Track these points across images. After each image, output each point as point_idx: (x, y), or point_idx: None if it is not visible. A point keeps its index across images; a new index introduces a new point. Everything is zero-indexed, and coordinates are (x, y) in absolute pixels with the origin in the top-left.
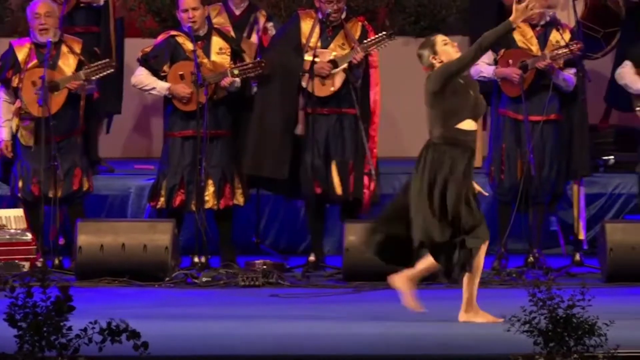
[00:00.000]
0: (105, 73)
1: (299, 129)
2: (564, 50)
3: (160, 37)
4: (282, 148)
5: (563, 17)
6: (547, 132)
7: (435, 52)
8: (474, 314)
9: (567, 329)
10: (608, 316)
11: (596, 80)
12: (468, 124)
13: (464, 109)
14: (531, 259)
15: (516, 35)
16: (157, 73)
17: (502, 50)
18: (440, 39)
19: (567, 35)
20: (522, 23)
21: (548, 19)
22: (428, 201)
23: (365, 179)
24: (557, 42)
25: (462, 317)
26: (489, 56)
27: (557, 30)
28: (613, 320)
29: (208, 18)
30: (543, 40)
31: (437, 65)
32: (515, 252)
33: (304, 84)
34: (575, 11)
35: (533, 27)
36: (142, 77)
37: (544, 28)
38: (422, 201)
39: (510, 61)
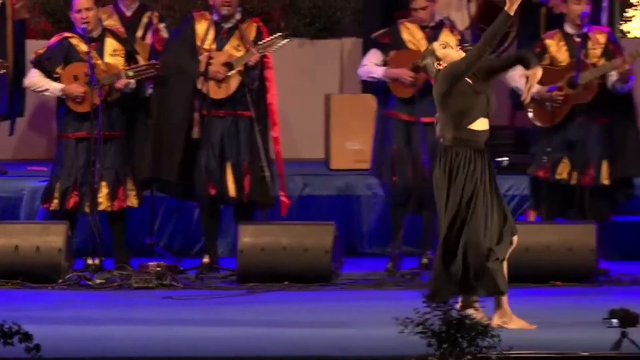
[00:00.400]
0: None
1: (195, 132)
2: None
3: (54, 39)
4: (177, 150)
5: (458, 19)
6: (427, 133)
7: (438, 59)
8: (509, 319)
9: (461, 331)
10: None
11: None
12: (480, 124)
13: (475, 108)
14: (425, 260)
15: (406, 37)
16: (50, 74)
17: (393, 52)
18: (437, 45)
19: (457, 36)
20: (411, 24)
21: (437, 20)
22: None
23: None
24: (445, 43)
25: (496, 321)
26: (377, 57)
27: (449, 30)
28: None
29: (100, 20)
30: (433, 41)
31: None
32: (410, 253)
33: (199, 86)
34: (469, 12)
35: (422, 28)
36: (35, 78)
37: (433, 29)
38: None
39: (400, 62)
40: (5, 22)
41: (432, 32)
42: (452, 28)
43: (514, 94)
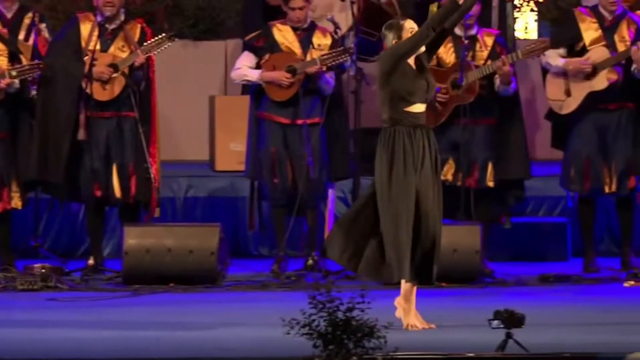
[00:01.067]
0: None
1: (81, 134)
2: (334, 55)
3: None
4: (62, 151)
5: (341, 20)
6: (314, 135)
7: (399, 38)
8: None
9: (347, 332)
10: (387, 319)
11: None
12: (418, 108)
13: (415, 93)
14: (310, 261)
15: (279, 39)
16: None
17: (267, 55)
18: (408, 25)
19: (328, 39)
20: (283, 26)
21: (309, 22)
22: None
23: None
24: (319, 45)
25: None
26: (251, 60)
27: (320, 32)
28: (392, 322)
29: None
30: (306, 43)
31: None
32: (295, 255)
33: (84, 87)
34: (353, 14)
35: (294, 30)
36: None
37: (305, 31)
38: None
39: (275, 65)
40: None
41: (305, 34)
42: (325, 31)
43: None
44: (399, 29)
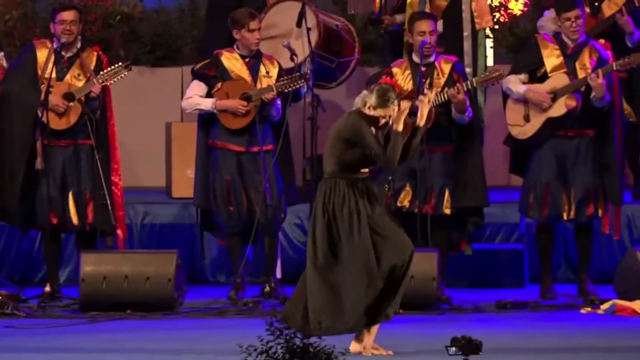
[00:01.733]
0: None
1: (38, 162)
2: (291, 81)
3: None
4: (17, 179)
5: (298, 47)
6: (268, 161)
7: (375, 106)
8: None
9: (304, 359)
10: (344, 345)
11: (333, 108)
12: (362, 171)
13: (364, 165)
14: (267, 288)
15: (229, 67)
16: None
17: (220, 83)
18: (395, 104)
19: (275, 67)
20: (231, 54)
21: (255, 50)
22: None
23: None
24: (268, 72)
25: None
26: (201, 89)
27: (267, 59)
28: (348, 349)
29: None
30: (254, 70)
31: (366, 111)
32: (252, 282)
33: (40, 115)
34: (309, 41)
35: (242, 57)
36: None
37: (253, 59)
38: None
39: (229, 93)
40: None
41: (253, 62)
42: (272, 59)
43: None
44: (384, 100)
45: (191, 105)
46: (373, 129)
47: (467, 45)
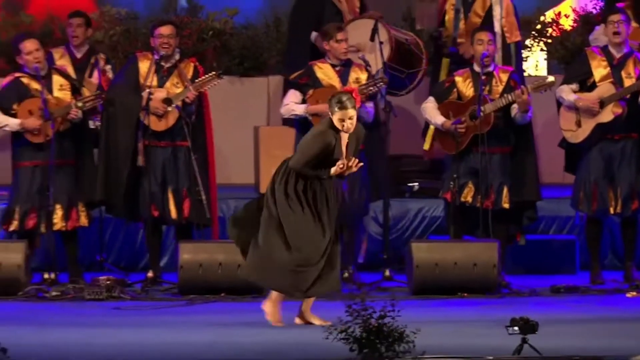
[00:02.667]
0: None
1: (140, 160)
2: (370, 85)
3: (6, 80)
4: (123, 176)
5: (371, 60)
6: None
7: (333, 112)
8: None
9: (379, 337)
10: (415, 325)
11: (404, 114)
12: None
13: (323, 165)
14: (346, 274)
15: (320, 76)
16: (7, 111)
17: (311, 90)
18: (340, 115)
19: (363, 72)
20: (324, 64)
21: (345, 59)
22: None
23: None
24: (357, 79)
25: (298, 320)
26: (297, 96)
27: (357, 67)
28: (419, 329)
29: (50, 59)
30: (344, 78)
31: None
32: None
33: (142, 118)
34: (382, 53)
35: (333, 67)
36: None
37: (343, 67)
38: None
39: (319, 99)
40: None
41: (343, 70)
42: (361, 66)
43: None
44: (337, 104)
45: (288, 111)
46: (342, 137)
47: (497, 57)
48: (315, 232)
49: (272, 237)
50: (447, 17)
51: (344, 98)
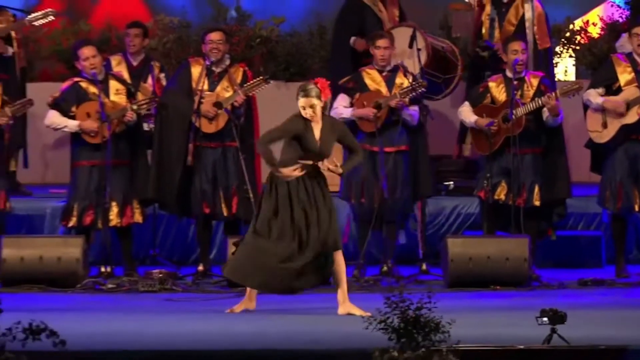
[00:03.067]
0: (25, 110)
1: (190, 160)
2: (409, 89)
3: (66, 84)
4: (175, 175)
5: (409, 65)
6: (398, 161)
7: (298, 99)
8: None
9: (416, 327)
10: (450, 316)
11: (440, 117)
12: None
13: (298, 153)
14: (385, 268)
15: (368, 81)
16: (66, 114)
17: (358, 94)
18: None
19: (409, 78)
20: (371, 70)
21: (392, 65)
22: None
23: None
24: (401, 84)
25: (341, 310)
26: (345, 100)
27: (402, 74)
28: (454, 319)
29: (107, 66)
30: (390, 83)
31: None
32: (373, 262)
33: (193, 121)
34: (420, 60)
35: (380, 72)
36: (54, 118)
37: (390, 73)
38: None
39: (365, 102)
40: (15, 69)
41: (390, 75)
42: (406, 72)
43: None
44: (302, 92)
45: (337, 114)
46: (313, 127)
47: (529, 63)
48: (284, 231)
49: (257, 237)
50: (483, 28)
51: (309, 87)
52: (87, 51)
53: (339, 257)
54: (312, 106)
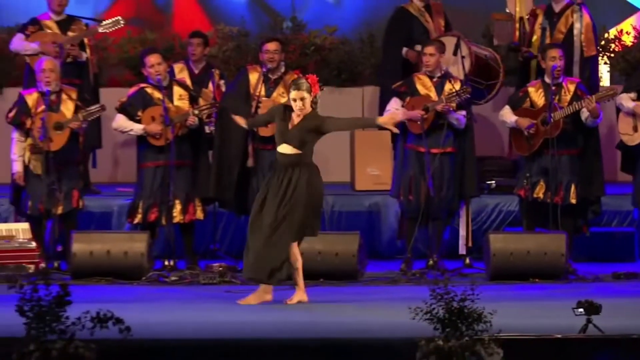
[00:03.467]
0: (98, 115)
1: (250, 162)
2: (455, 95)
3: (133, 89)
4: (234, 175)
5: (454, 72)
6: (445, 162)
7: (289, 92)
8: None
9: (460, 318)
10: (492, 307)
11: (483, 121)
12: (283, 148)
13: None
14: (431, 262)
15: (419, 86)
16: (132, 117)
17: (408, 98)
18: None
19: (457, 85)
20: (422, 76)
21: (442, 72)
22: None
23: None
24: (450, 90)
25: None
26: (397, 103)
27: (450, 81)
28: (496, 310)
29: (171, 72)
30: (440, 89)
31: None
32: (419, 257)
33: None
34: (464, 67)
35: (431, 78)
36: (121, 121)
37: (439, 79)
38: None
39: (414, 106)
40: (89, 75)
41: (439, 81)
42: (453, 78)
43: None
44: (294, 85)
45: None
46: (293, 118)
47: (576, 69)
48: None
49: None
50: (534, 37)
51: (301, 81)
52: (152, 59)
53: (295, 250)
54: (302, 99)
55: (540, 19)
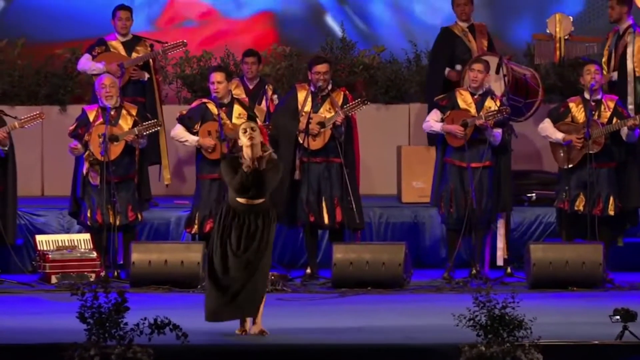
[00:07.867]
0: (152, 130)
1: (297, 174)
2: (494, 113)
3: (195, 103)
4: (284, 188)
5: (495, 88)
6: (484, 175)
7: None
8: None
9: (502, 324)
10: (532, 314)
11: (522, 137)
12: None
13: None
14: (474, 271)
15: (459, 101)
16: (190, 129)
17: (449, 112)
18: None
19: (497, 103)
20: (464, 92)
21: (484, 89)
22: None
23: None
24: (490, 107)
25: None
26: (437, 115)
27: (491, 98)
28: (536, 317)
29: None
30: (480, 105)
31: None
32: (462, 266)
33: (300, 140)
34: (505, 84)
35: (472, 95)
36: (178, 131)
37: (481, 96)
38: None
39: (454, 119)
40: (153, 92)
41: (480, 98)
42: (494, 95)
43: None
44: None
45: (427, 127)
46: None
47: (630, 88)
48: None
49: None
50: (604, 58)
51: (245, 126)
52: (215, 76)
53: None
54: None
55: (609, 41)
